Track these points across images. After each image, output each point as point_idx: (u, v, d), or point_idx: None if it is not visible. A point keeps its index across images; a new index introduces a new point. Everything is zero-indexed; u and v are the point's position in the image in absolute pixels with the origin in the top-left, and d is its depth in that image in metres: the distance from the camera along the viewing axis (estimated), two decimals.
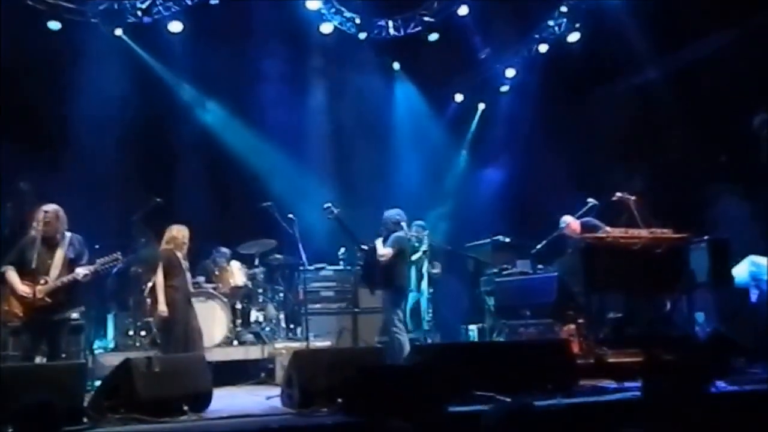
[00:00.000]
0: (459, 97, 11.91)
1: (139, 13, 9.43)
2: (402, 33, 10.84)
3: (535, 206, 10.41)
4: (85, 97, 9.27)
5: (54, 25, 9.13)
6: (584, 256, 7.38)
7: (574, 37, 10.68)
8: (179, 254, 7.49)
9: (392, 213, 7.85)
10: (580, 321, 7.43)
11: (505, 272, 9.08)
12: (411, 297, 8.33)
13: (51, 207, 6.37)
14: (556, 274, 8.13)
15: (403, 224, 7.86)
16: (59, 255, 6.29)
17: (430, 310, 8.83)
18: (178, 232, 7.52)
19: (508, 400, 5.10)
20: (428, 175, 11.31)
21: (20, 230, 6.60)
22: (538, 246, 8.58)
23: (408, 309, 7.87)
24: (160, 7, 9.52)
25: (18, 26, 8.78)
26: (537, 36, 11.04)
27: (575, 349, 6.95)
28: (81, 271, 6.26)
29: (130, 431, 5.08)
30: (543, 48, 11.02)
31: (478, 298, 9.46)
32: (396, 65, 11.49)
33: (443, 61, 11.12)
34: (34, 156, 8.88)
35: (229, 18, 9.75)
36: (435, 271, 8.97)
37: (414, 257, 8.36)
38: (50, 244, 6.30)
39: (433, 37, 10.78)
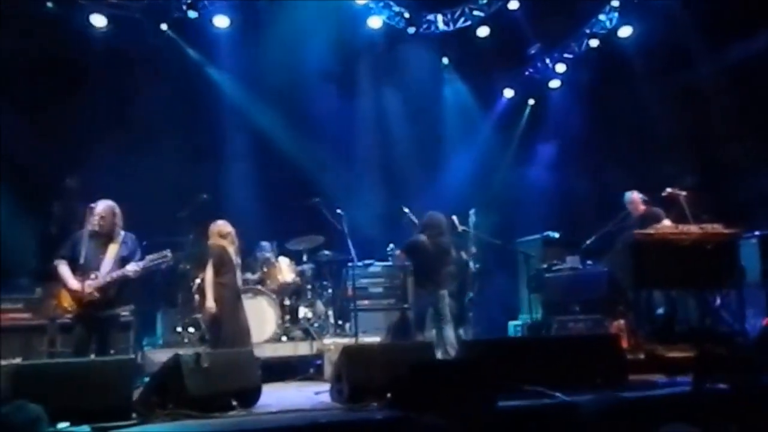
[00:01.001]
0: (509, 93, 11.73)
1: (185, 7, 9.45)
2: (451, 27, 10.72)
3: (585, 202, 10.22)
4: (132, 95, 9.38)
5: (98, 20, 9.20)
6: (634, 251, 7.34)
7: (625, 31, 10.54)
8: (230, 250, 7.42)
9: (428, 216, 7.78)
10: (630, 316, 7.42)
11: (554, 268, 8.99)
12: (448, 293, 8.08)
13: (106, 203, 6.37)
14: (606, 269, 8.17)
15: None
16: (112, 251, 6.28)
17: (472, 305, 8.63)
18: (226, 227, 7.47)
19: (558, 395, 5.13)
20: (477, 171, 11.12)
21: (69, 226, 6.62)
22: (588, 241, 8.56)
23: (445, 305, 7.65)
24: (206, 1, 9.53)
25: (63, 22, 8.91)
26: (588, 31, 10.88)
27: (624, 344, 6.89)
28: (130, 268, 6.25)
29: (180, 427, 5.01)
30: (594, 43, 10.88)
31: (527, 294, 9.27)
32: (445, 60, 11.33)
33: (493, 56, 10.94)
34: (81, 154, 8.98)
35: (277, 12, 9.73)
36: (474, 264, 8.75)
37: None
38: (103, 240, 6.30)
39: (483, 31, 10.63)
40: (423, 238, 7.61)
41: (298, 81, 10.11)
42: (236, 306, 7.49)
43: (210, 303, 7.20)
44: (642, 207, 8.22)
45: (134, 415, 5.12)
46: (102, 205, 6.34)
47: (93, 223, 6.25)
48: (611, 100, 10.71)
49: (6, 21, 8.16)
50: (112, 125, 9.28)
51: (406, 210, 8.02)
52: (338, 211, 8.06)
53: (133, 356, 6.64)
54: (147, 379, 5.95)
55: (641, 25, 10.29)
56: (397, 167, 10.78)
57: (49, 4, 8.93)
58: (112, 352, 6.42)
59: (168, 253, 6.37)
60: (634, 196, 8.33)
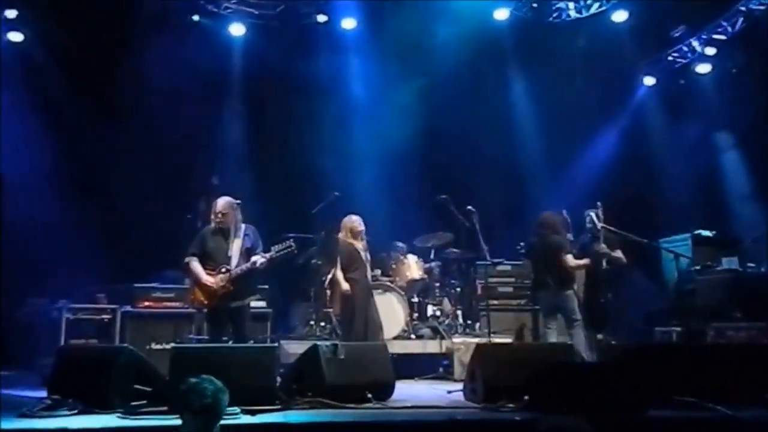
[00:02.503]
0: (649, 80, 11.44)
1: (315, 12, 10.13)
2: (584, 14, 10.59)
3: (739, 197, 9.80)
4: (266, 97, 10.13)
5: (237, 29, 10.05)
6: None
7: None
8: (359, 246, 7.84)
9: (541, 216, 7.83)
10: None
11: (709, 269, 8.70)
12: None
13: (225, 199, 6.86)
14: None
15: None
16: (236, 245, 6.75)
17: (610, 307, 8.52)
18: (355, 223, 7.88)
19: (720, 408, 5.01)
20: (616, 163, 10.96)
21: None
22: (751, 239, 8.27)
23: (573, 306, 7.66)
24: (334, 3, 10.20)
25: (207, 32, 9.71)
26: (742, 8, 10.28)
27: None
28: (257, 259, 6.67)
29: (318, 416, 5.39)
30: (746, 23, 10.28)
31: (676, 297, 9.07)
32: (577, 49, 11.19)
33: (631, 42, 10.72)
34: (224, 154, 9.77)
35: (401, 12, 10.11)
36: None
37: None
38: (227, 234, 6.79)
39: (620, 16, 10.45)
40: (535, 239, 7.70)
41: (425, 74, 10.41)
42: (368, 301, 7.92)
43: (344, 285, 7.67)
44: None
45: (277, 401, 5.60)
46: (222, 202, 6.82)
47: (215, 219, 6.77)
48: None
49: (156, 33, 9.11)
50: (250, 128, 10.02)
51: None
52: (469, 207, 8.26)
53: (276, 345, 7.09)
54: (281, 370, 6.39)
55: None
56: (527, 162, 10.81)
57: (195, 17, 9.84)
58: (251, 342, 6.98)
59: (292, 242, 6.72)
60: None
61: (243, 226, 6.84)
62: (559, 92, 10.70)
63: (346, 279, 7.81)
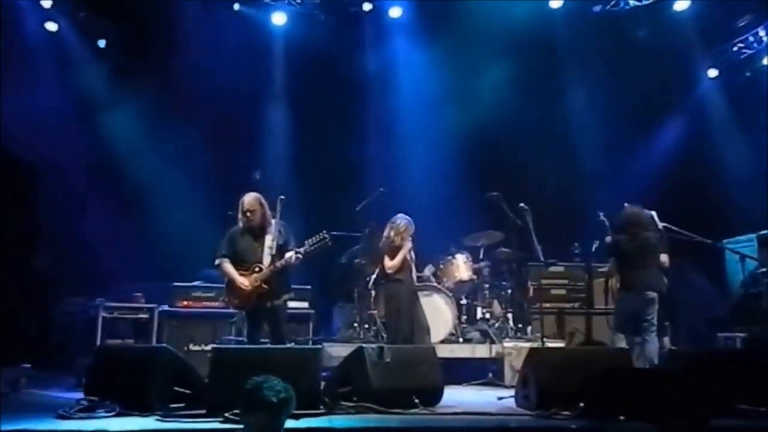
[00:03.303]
0: (712, 72, 11.15)
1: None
2: (644, 2, 10.36)
3: None
4: (320, 92, 10.10)
5: (279, 18, 10.04)
6: None
7: None
8: (406, 246, 7.71)
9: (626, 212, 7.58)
10: None
11: None
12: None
13: (252, 196, 6.75)
14: None
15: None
16: (268, 242, 6.66)
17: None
18: (403, 222, 7.77)
19: None
20: (677, 160, 10.70)
21: None
22: None
23: (653, 310, 7.42)
24: None
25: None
26: None
27: None
28: (291, 255, 6.58)
29: (365, 421, 5.32)
30: None
31: (741, 301, 8.82)
32: (635, 39, 10.95)
33: (693, 32, 10.46)
34: (268, 150, 9.84)
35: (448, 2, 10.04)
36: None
37: None
38: (257, 232, 6.70)
39: (681, 5, 10.21)
40: (623, 237, 7.40)
41: (474, 70, 10.26)
42: (413, 303, 7.83)
43: (394, 262, 7.58)
44: None
45: (321, 405, 5.54)
46: (249, 199, 6.71)
47: (243, 218, 6.66)
48: None
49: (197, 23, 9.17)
50: (292, 121, 10.08)
51: (601, 215, 7.83)
52: (522, 205, 8.09)
53: (320, 346, 7.02)
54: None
55: None
56: (583, 158, 10.60)
57: (236, 6, 9.87)
58: (292, 343, 6.92)
59: (326, 234, 6.62)
60: None
61: (273, 221, 6.75)
62: (617, 85, 10.49)
63: (392, 279, 7.72)
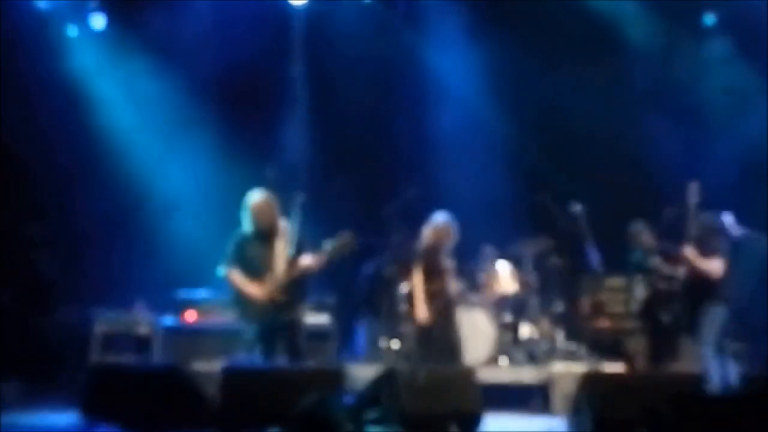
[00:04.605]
0: None
1: None
2: None
3: None
4: (337, 74, 10.22)
5: None
6: None
7: None
8: (444, 253, 7.78)
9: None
10: None
11: None
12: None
13: (260, 195, 6.81)
14: None
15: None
16: (280, 246, 6.72)
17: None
18: (443, 226, 7.81)
19: None
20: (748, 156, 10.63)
21: None
22: None
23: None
24: None
25: None
26: None
27: None
28: (310, 261, 6.64)
29: None
30: None
31: None
32: (708, 19, 10.93)
33: None
34: (283, 140, 9.97)
35: None
36: None
37: None
38: (267, 236, 6.76)
39: None
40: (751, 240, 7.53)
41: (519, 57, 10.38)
42: (449, 320, 7.90)
43: (421, 313, 7.61)
44: None
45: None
46: (258, 198, 6.77)
47: (252, 220, 6.73)
48: None
49: None
50: (311, 112, 10.27)
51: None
52: (576, 207, 8.12)
53: (339, 366, 7.07)
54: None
55: None
56: (650, 155, 10.56)
57: None
58: (310, 362, 7.02)
59: (349, 235, 6.71)
60: None
61: (285, 223, 6.81)
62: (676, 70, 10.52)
63: (426, 291, 7.78)
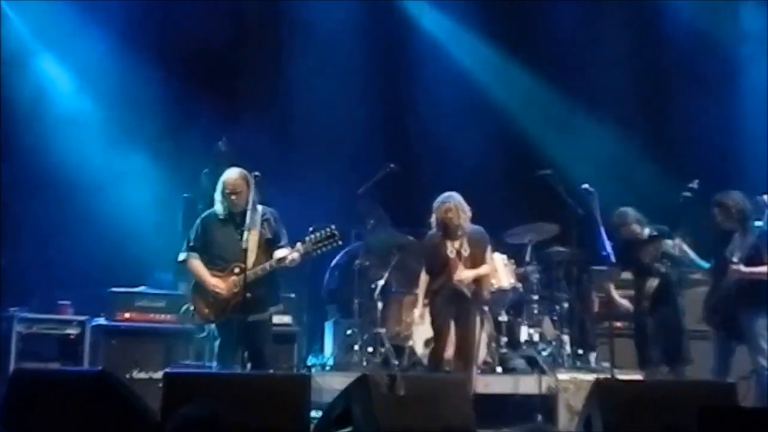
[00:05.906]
0: None
1: None
2: None
3: None
4: (298, 42, 10.30)
5: None
6: None
7: None
8: (447, 241, 7.60)
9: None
10: None
11: None
12: None
13: (235, 171, 6.77)
14: None
15: None
16: (253, 235, 6.67)
17: None
18: (445, 206, 7.55)
19: None
20: None
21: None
22: None
23: None
24: None
25: None
26: None
27: None
28: (286, 254, 6.61)
29: None
30: None
31: None
32: None
33: None
34: (238, 111, 9.99)
35: None
36: None
37: None
38: (239, 221, 6.70)
39: None
40: None
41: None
42: (446, 321, 7.73)
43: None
44: None
45: None
46: (233, 175, 6.73)
47: (224, 201, 6.69)
48: None
49: None
50: (274, 78, 10.31)
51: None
52: (585, 186, 8.04)
53: (309, 374, 7.07)
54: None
55: None
56: (670, 127, 10.63)
57: None
58: (270, 371, 6.94)
59: (334, 230, 6.69)
60: None
61: (260, 208, 6.78)
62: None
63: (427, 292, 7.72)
